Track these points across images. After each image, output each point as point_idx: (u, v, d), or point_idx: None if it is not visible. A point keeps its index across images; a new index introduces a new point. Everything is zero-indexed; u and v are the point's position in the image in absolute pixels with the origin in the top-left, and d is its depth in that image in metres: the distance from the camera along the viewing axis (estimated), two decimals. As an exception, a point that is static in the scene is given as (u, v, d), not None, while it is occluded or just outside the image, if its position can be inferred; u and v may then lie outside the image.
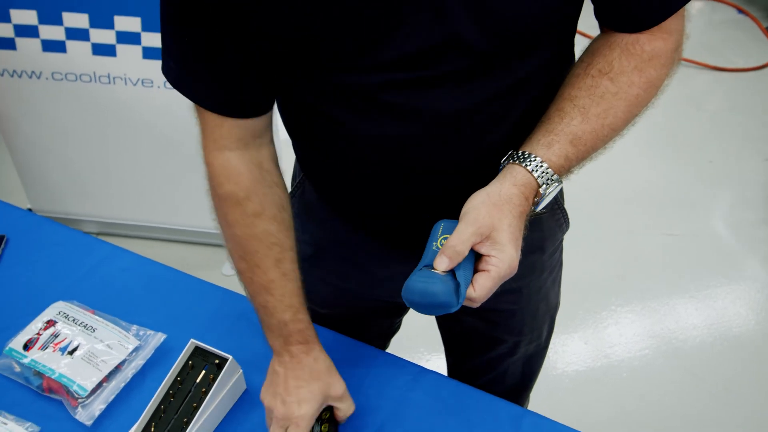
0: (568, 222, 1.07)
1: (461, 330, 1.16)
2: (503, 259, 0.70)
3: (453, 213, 0.85)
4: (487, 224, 0.70)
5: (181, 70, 0.78)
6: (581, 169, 0.80)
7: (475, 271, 0.71)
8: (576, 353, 1.95)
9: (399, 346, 1.32)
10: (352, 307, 1.10)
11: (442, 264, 0.69)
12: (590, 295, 2.10)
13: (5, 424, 0.90)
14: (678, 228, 2.32)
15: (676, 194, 2.46)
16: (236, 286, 1.14)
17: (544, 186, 0.74)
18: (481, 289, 0.70)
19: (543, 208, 0.77)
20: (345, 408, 0.90)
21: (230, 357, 0.91)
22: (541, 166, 0.74)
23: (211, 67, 0.76)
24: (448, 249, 0.70)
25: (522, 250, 1.01)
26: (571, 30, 0.81)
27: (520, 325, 1.10)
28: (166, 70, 0.80)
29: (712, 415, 1.80)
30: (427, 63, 0.72)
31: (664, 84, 0.80)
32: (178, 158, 1.95)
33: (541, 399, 1.83)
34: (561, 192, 1.05)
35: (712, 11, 3.60)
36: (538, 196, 0.75)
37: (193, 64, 0.77)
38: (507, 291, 1.03)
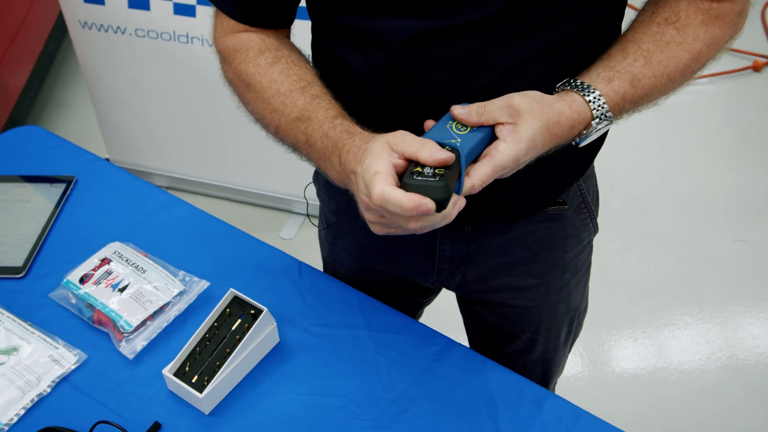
0: (597, 225, 1.04)
1: (478, 321, 1.15)
2: (512, 149, 0.68)
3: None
4: (521, 109, 0.69)
5: None
6: (627, 118, 0.78)
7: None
8: (625, 349, 1.92)
9: (440, 324, 1.33)
10: (374, 280, 1.10)
11: (463, 111, 0.70)
12: (648, 294, 2.05)
13: (57, 348, 0.97)
14: (749, 235, 2.23)
15: (754, 200, 2.35)
16: (297, 250, 1.18)
17: (597, 120, 0.72)
18: (479, 176, 0.68)
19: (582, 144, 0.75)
20: (415, 145, 0.68)
21: (265, 309, 0.94)
22: (599, 99, 0.72)
23: None
24: (475, 105, 0.70)
25: (542, 248, 0.99)
26: None
27: (536, 323, 1.08)
28: None
29: None
30: (451, 6, 0.71)
31: (725, 46, 0.78)
32: (246, 121, 2.01)
33: (582, 391, 1.81)
34: (594, 193, 1.02)
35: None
36: (588, 128, 0.73)
37: None
38: (523, 287, 1.03)
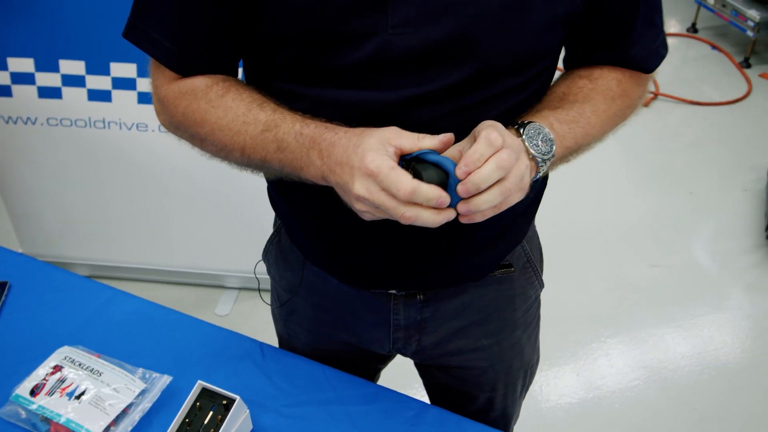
0: (542, 281, 1.09)
1: (436, 385, 1.17)
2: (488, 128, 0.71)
3: (425, 249, 0.86)
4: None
5: (140, 22, 0.79)
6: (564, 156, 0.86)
7: None
8: (568, 385, 1.98)
9: (396, 383, 1.33)
10: (331, 351, 1.10)
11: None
12: (581, 328, 2.14)
13: (13, 470, 0.91)
14: (663, 259, 2.38)
15: (660, 226, 2.52)
16: (235, 326, 1.16)
17: (527, 135, 0.77)
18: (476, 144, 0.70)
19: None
20: (414, 138, 0.71)
21: (238, 397, 0.92)
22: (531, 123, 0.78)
23: (177, 26, 0.78)
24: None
25: (493, 309, 1.03)
26: (554, 58, 0.86)
27: (493, 382, 1.11)
28: (127, 28, 0.81)
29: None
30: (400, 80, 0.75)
31: (639, 97, 0.89)
32: (170, 200, 1.98)
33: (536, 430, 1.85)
34: (538, 252, 1.08)
35: (687, 47, 3.72)
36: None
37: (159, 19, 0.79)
38: (478, 348, 1.06)
